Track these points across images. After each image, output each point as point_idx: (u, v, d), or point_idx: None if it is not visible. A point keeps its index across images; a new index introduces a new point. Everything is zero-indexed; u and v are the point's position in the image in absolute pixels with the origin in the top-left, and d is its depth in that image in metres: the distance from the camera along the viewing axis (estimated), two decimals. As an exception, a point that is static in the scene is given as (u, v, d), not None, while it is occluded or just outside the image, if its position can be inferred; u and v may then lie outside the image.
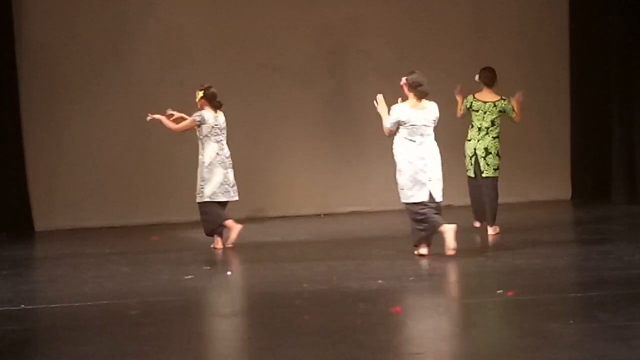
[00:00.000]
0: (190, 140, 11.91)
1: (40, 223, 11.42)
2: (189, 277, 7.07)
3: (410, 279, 6.59)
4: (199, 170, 8.78)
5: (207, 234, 8.81)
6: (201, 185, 8.74)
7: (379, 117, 7.86)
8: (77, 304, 6.14)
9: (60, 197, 11.73)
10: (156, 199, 11.96)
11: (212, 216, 8.67)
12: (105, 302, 6.18)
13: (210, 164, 8.72)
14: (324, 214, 12.02)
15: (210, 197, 8.66)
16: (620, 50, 10.79)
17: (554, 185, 11.96)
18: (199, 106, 8.96)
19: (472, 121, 8.71)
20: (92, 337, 5.11)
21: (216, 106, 8.88)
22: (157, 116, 9.07)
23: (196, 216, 11.79)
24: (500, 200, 12.17)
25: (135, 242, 9.83)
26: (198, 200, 8.73)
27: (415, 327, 5.10)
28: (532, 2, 12.46)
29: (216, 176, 8.70)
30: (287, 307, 5.99)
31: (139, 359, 4.62)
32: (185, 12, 12.09)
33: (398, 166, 7.47)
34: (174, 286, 6.70)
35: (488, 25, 12.49)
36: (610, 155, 11.08)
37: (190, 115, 8.99)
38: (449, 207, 11.95)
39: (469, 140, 8.73)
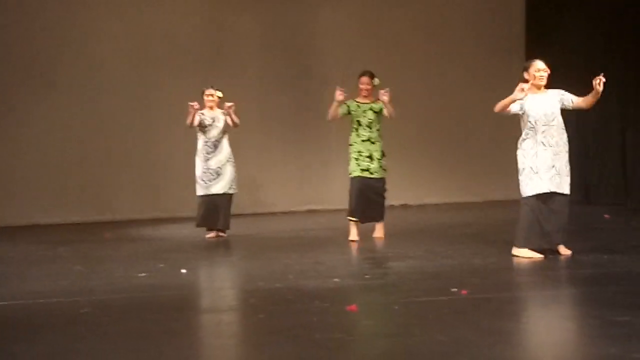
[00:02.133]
0: (138, 139, 11.85)
1: (-8, 220, 11.26)
2: (143, 274, 7.00)
3: (366, 277, 6.60)
4: (229, 164, 9.22)
5: (225, 226, 9.33)
6: (235, 178, 9.28)
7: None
8: (28, 302, 6.04)
9: (12, 194, 11.57)
10: (108, 196, 11.86)
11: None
12: (57, 299, 6.08)
13: None
14: (281, 212, 12.01)
15: (236, 190, 9.34)
16: (573, 50, 10.95)
17: (512, 184, 12.09)
18: (211, 105, 9.20)
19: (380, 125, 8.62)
20: (44, 335, 5.02)
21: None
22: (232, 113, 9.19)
23: (148, 213, 11.77)
24: (458, 200, 12.36)
25: (87, 240, 9.71)
26: (232, 191, 9.27)
27: (371, 326, 5.10)
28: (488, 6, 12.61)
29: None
30: (241, 305, 5.96)
31: (91, 357, 4.55)
32: (146, 11, 12.00)
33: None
34: (127, 284, 6.62)
35: (443, 28, 12.61)
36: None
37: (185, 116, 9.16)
38: (391, 207, 12.07)
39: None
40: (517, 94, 7.02)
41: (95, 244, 9.31)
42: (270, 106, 12.19)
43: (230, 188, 9.23)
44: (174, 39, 12.01)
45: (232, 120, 9.16)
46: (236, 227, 9.63)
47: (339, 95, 8.38)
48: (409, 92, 12.41)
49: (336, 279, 6.44)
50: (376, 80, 8.57)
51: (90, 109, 11.81)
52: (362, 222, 8.55)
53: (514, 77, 11.78)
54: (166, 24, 12.05)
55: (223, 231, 9.35)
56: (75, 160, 11.83)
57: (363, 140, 8.50)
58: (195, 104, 9.06)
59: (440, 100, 12.56)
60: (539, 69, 7.12)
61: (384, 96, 8.36)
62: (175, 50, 11.98)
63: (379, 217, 8.61)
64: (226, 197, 9.22)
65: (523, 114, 7.14)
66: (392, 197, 12.36)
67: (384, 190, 8.60)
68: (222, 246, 8.91)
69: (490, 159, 12.46)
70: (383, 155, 8.55)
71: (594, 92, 6.99)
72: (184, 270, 7.10)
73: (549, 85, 7.22)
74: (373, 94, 8.61)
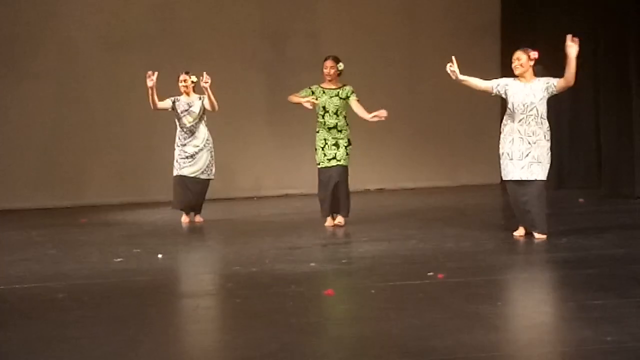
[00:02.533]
0: (113, 123, 11.76)
1: (-36, 205, 11.15)
2: (119, 260, 6.97)
3: (343, 261, 6.62)
4: (205, 149, 9.13)
5: (197, 210, 9.31)
6: (212, 163, 9.21)
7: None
8: (1, 287, 5.98)
9: (-16, 178, 11.45)
10: (83, 180, 11.78)
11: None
12: (31, 285, 6.04)
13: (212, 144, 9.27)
14: (257, 197, 11.98)
15: (213, 176, 9.32)
16: (547, 36, 10.97)
17: (484, 169, 12.15)
18: (186, 90, 9.12)
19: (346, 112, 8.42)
20: (18, 321, 4.99)
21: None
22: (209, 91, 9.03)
23: (123, 198, 11.71)
24: (431, 184, 12.40)
25: (62, 224, 9.64)
26: (204, 177, 9.18)
27: (347, 310, 5.12)
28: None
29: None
30: (218, 290, 5.95)
31: (66, 343, 4.52)
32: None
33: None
34: (102, 269, 6.59)
35: (418, 13, 12.61)
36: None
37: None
38: (366, 191, 12.10)
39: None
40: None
41: (70, 229, 9.24)
42: (245, 90, 12.13)
43: (203, 173, 9.16)
44: (149, 21, 11.90)
45: (210, 101, 9.02)
46: (211, 212, 9.61)
47: (307, 104, 8.11)
48: (384, 77, 12.41)
49: (312, 264, 6.45)
50: (341, 65, 8.29)
51: (63, 94, 11.71)
52: (333, 214, 8.38)
53: (489, 61, 11.91)
54: (141, 6, 11.93)
55: (195, 216, 9.30)
56: (48, 145, 11.72)
57: (329, 128, 8.27)
58: (151, 75, 8.78)
59: (416, 85, 12.57)
60: (514, 59, 7.22)
61: (378, 118, 8.12)
62: (150, 33, 11.87)
63: (343, 210, 8.37)
64: (199, 182, 9.17)
65: (505, 98, 7.25)
66: (368, 182, 12.41)
67: (347, 179, 8.35)
68: (198, 231, 8.88)
69: (465, 144, 12.51)
70: (349, 143, 8.33)
71: (568, 60, 7.03)
72: (160, 255, 7.08)
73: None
74: (339, 79, 8.38)
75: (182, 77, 9.20)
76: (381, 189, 12.48)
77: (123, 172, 11.90)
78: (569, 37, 7.03)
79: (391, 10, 12.49)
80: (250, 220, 9.61)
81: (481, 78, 7.54)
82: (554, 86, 7.17)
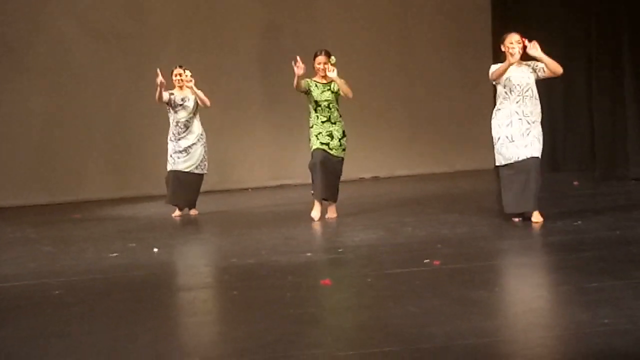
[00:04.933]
0: (107, 118, 11.74)
1: (-41, 202, 11.14)
2: (114, 255, 6.95)
3: (339, 250, 6.61)
4: (199, 144, 9.13)
5: (191, 205, 9.31)
6: (205, 158, 9.20)
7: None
8: (-3, 285, 5.98)
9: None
10: (76, 176, 11.77)
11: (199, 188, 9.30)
12: (27, 282, 6.03)
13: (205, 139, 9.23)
14: (251, 189, 11.98)
15: (206, 170, 9.27)
16: (539, 22, 11.00)
17: (479, 155, 12.16)
18: (180, 84, 9.11)
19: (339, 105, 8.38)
20: (14, 318, 4.98)
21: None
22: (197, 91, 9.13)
23: (119, 193, 11.68)
24: (426, 171, 12.41)
25: (56, 221, 9.62)
26: (199, 171, 9.17)
27: (344, 299, 5.12)
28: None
29: None
30: (215, 282, 5.94)
31: (63, 339, 4.52)
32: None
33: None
34: (98, 264, 6.58)
35: (412, 6, 12.60)
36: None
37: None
38: (361, 179, 12.10)
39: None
40: (510, 59, 7.14)
41: (65, 225, 9.22)
42: (240, 83, 12.12)
43: (197, 168, 9.14)
44: (143, 16, 11.86)
45: (200, 99, 9.07)
46: (206, 205, 9.60)
47: (297, 69, 8.05)
48: (380, 65, 12.41)
49: (309, 254, 6.44)
50: (333, 59, 8.21)
51: (56, 90, 11.68)
52: (325, 200, 8.33)
53: (481, 48, 11.91)
54: (135, 1, 11.89)
55: (190, 210, 9.30)
56: (41, 141, 11.70)
57: (323, 122, 8.23)
58: (160, 77, 8.82)
59: (410, 72, 12.57)
60: (512, 41, 7.20)
61: (331, 74, 8.05)
62: (144, 28, 11.83)
63: (332, 197, 8.36)
64: (194, 177, 9.15)
65: (497, 84, 7.25)
66: (363, 170, 12.41)
67: (340, 171, 8.34)
68: (194, 224, 8.87)
69: (460, 130, 12.52)
70: (344, 135, 8.31)
71: (538, 59, 7.08)
72: (156, 249, 7.07)
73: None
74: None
75: (177, 71, 9.17)
76: (376, 177, 12.48)
77: (117, 166, 11.89)
78: (527, 44, 7.02)
79: (385, 7, 12.48)
80: (245, 212, 9.60)
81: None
82: (543, 70, 7.19)
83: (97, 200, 11.37)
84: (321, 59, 8.26)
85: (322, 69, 8.25)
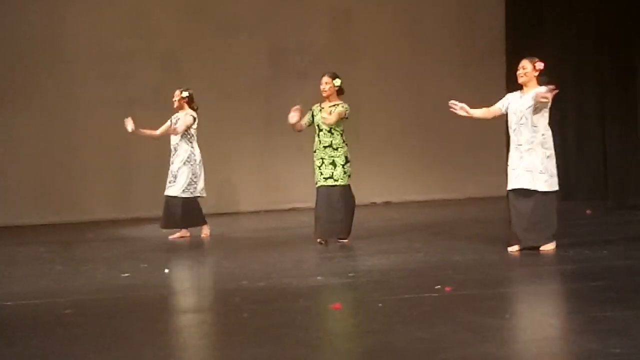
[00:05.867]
0: (118, 139, 11.79)
1: (-27, 221, 11.19)
2: (125, 275, 6.96)
3: (350, 275, 6.60)
4: (185, 168, 9.06)
5: (184, 227, 9.22)
6: (193, 180, 9.09)
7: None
8: (8, 303, 5.98)
9: (-9, 195, 11.49)
10: (88, 196, 11.81)
11: (198, 210, 9.18)
12: (38, 301, 6.04)
13: (200, 161, 9.13)
14: (264, 211, 11.99)
15: (200, 193, 9.14)
16: (554, 54, 11.02)
17: (490, 182, 12.14)
18: (177, 105, 9.17)
19: (342, 130, 8.15)
20: (24, 336, 4.99)
21: (195, 107, 9.26)
22: (142, 131, 9.29)
23: (130, 213, 11.69)
24: (438, 197, 12.39)
25: (70, 240, 9.65)
26: (186, 195, 9.06)
27: (354, 324, 5.11)
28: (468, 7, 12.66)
29: (203, 173, 9.17)
30: (225, 305, 5.94)
31: (73, 358, 4.52)
32: (115, 5, 11.97)
33: (552, 152, 7.17)
34: (109, 284, 6.59)
35: (424, 29, 12.64)
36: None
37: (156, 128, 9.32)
38: (373, 204, 12.08)
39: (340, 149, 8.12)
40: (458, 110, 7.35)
41: (77, 245, 9.25)
42: (238, 105, 12.14)
43: (184, 192, 9.06)
44: (138, 39, 11.93)
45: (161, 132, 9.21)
46: (217, 227, 9.61)
47: (291, 118, 7.87)
48: (391, 90, 12.44)
49: (319, 277, 6.44)
50: (337, 81, 8.03)
51: (67, 112, 11.78)
52: (324, 239, 8.06)
53: (494, 75, 11.91)
54: (131, 24, 11.98)
55: (186, 231, 9.26)
56: (54, 161, 11.77)
57: (325, 147, 8.03)
58: (129, 126, 9.02)
59: (423, 98, 12.58)
60: (519, 67, 7.19)
61: (329, 119, 7.88)
62: (140, 51, 11.91)
63: (342, 233, 8.08)
64: (179, 200, 9.07)
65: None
66: (375, 195, 12.40)
67: (349, 198, 8.07)
68: (203, 246, 8.88)
69: (471, 156, 12.51)
70: (347, 161, 8.04)
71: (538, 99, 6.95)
72: (167, 270, 7.08)
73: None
74: (340, 98, 8.14)
75: (175, 92, 9.24)
76: (388, 202, 12.48)
77: (127, 187, 11.93)
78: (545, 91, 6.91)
79: (395, 30, 12.52)
80: (256, 234, 9.60)
81: (487, 100, 7.57)
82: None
83: (108, 220, 11.40)
84: (324, 79, 8.06)
85: (324, 90, 8.03)
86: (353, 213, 8.21)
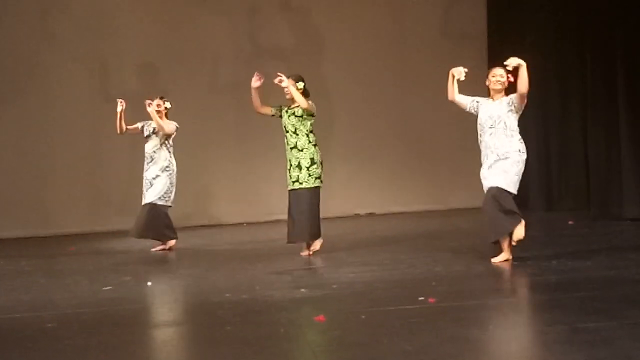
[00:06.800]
0: (97, 150, 11.73)
1: (-47, 234, 11.10)
2: (108, 288, 6.93)
3: (333, 287, 6.59)
4: (164, 175, 9.06)
5: (159, 238, 9.18)
6: (170, 189, 9.09)
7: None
8: (-10, 318, 5.94)
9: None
10: (73, 209, 11.74)
11: (170, 221, 9.14)
12: (20, 315, 6.00)
13: (175, 172, 9.14)
14: (246, 223, 11.96)
15: (171, 203, 9.15)
16: (535, 52, 11.08)
17: (474, 193, 12.17)
18: (157, 116, 9.09)
19: (309, 131, 8.13)
20: (7, 351, 4.94)
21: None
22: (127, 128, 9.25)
23: (115, 225, 11.60)
24: (422, 208, 12.40)
25: (51, 253, 9.59)
26: (162, 202, 9.06)
27: (338, 336, 5.10)
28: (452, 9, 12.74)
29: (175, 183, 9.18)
30: (209, 317, 5.92)
31: (55, 373, 4.49)
32: (99, 15, 11.95)
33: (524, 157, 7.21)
34: (92, 298, 6.55)
35: (409, 31, 12.68)
36: (527, 164, 11.45)
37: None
38: (356, 216, 12.09)
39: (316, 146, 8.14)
40: (452, 70, 7.26)
41: (59, 258, 9.19)
42: (219, 116, 12.10)
43: (160, 199, 9.07)
44: (127, 45, 11.90)
45: (157, 125, 9.05)
46: (200, 239, 9.58)
47: (254, 81, 7.88)
48: (374, 102, 12.46)
49: (303, 289, 6.43)
50: (300, 84, 8.00)
51: (48, 123, 11.72)
52: (294, 242, 8.12)
53: (477, 85, 11.96)
54: (121, 28, 11.95)
55: (165, 244, 9.22)
56: (38, 174, 11.70)
57: (291, 148, 8.01)
58: (121, 103, 9.01)
59: (406, 109, 12.62)
60: (495, 74, 7.27)
61: (285, 82, 7.86)
62: (117, 61, 11.87)
63: (308, 236, 8.07)
64: (153, 208, 9.06)
65: (476, 114, 7.31)
66: (358, 206, 12.41)
67: (313, 203, 8.00)
68: (186, 258, 8.85)
69: (454, 167, 12.54)
70: (312, 163, 7.98)
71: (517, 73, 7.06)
72: (149, 283, 7.04)
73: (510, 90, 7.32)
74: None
75: (156, 102, 9.18)
76: (371, 213, 12.48)
77: (107, 200, 11.87)
78: (512, 79, 7.07)
79: (380, 33, 12.56)
80: (236, 248, 9.58)
81: (469, 89, 7.60)
82: (514, 99, 7.18)
83: (90, 233, 11.33)
84: (288, 81, 8.01)
85: (287, 92, 8.02)
86: (317, 216, 8.11)
